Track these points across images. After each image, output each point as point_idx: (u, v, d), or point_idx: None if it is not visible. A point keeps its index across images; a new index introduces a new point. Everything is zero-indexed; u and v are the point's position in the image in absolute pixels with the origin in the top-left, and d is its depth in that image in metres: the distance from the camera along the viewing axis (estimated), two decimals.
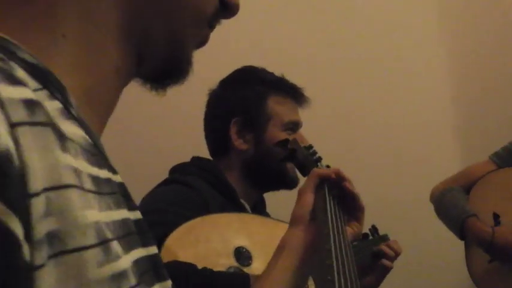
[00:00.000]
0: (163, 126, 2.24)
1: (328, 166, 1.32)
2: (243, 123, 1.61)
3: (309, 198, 1.08)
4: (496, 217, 2.05)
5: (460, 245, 2.15)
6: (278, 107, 1.63)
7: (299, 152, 1.36)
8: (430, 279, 2.59)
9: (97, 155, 0.46)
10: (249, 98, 1.62)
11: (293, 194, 1.17)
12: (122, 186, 0.50)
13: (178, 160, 1.69)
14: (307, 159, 1.32)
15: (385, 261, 1.50)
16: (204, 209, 1.44)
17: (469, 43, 2.90)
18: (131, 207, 0.51)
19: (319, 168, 1.22)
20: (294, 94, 1.67)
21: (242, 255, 1.37)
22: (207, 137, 1.68)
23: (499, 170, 2.13)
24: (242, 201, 1.61)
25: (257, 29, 2.40)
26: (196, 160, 1.65)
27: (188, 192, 1.48)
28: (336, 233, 0.99)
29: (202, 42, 0.62)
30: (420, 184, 2.36)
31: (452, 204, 2.10)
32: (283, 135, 1.58)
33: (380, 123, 2.61)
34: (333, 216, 1.04)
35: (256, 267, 1.34)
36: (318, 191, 1.11)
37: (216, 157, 1.66)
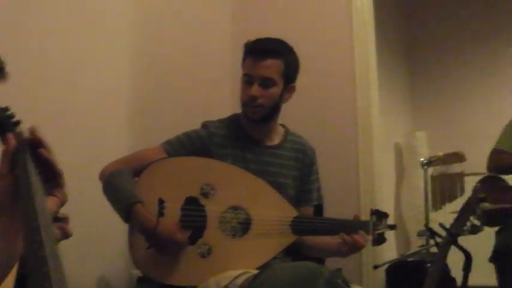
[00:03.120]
0: None
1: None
2: None
3: (8, 181, 1.05)
4: (161, 203, 2.13)
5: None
6: None
7: None
8: (96, 258, 2.59)
9: None
10: None
11: None
12: None
13: None
14: (5, 122, 1.22)
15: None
16: None
17: (149, 46, 3.04)
18: None
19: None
20: None
21: None
22: None
23: (169, 159, 2.23)
24: None
25: None
26: None
27: None
28: (41, 212, 0.99)
29: None
30: (92, 162, 2.34)
31: (121, 187, 2.12)
32: None
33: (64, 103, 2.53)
34: (36, 193, 1.02)
35: None
36: (16, 164, 1.08)
37: None
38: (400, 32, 5.77)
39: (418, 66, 5.75)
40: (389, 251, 4.43)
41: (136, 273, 2.38)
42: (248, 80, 2.24)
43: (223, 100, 3.21)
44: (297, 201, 2.34)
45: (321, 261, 2.87)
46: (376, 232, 2.17)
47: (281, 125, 2.43)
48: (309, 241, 2.32)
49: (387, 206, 5.18)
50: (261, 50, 2.24)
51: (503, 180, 3.29)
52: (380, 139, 3.35)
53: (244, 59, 2.29)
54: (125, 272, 2.73)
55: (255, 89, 2.21)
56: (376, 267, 3.05)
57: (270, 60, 2.23)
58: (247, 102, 2.25)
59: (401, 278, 3.68)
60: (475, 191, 3.28)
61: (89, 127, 2.63)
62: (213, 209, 2.14)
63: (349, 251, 2.15)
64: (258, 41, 2.28)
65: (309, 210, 2.40)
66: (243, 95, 2.26)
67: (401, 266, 3.79)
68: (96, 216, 2.46)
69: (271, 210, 2.15)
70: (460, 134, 5.32)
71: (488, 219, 3.13)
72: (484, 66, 5.42)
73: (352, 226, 2.14)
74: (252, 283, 1.85)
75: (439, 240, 2.75)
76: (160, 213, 2.12)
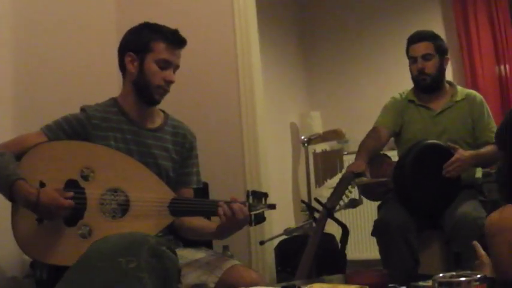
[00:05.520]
0: None
1: None
2: None
3: None
4: (41, 186, 2.14)
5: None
6: None
7: None
8: None
9: None
10: None
11: None
12: None
13: None
14: None
15: None
16: None
17: (33, 25, 3.03)
18: None
19: None
20: None
21: None
22: None
23: (49, 142, 2.26)
24: None
25: None
26: None
27: None
28: None
29: None
30: None
31: (3, 167, 2.12)
32: None
33: None
34: None
35: None
36: None
37: None
38: (294, 19, 5.89)
39: (312, 50, 5.85)
40: (286, 226, 4.56)
41: (28, 258, 2.39)
42: (165, 66, 2.34)
43: (109, 81, 3.21)
44: (176, 183, 2.43)
45: (207, 241, 2.97)
46: (253, 213, 2.21)
47: (161, 110, 2.51)
48: (188, 223, 2.40)
49: (287, 183, 5.38)
50: (181, 40, 2.38)
51: (385, 155, 3.41)
52: (264, 122, 3.44)
53: (153, 43, 2.34)
54: (17, 257, 2.74)
55: (173, 75, 2.37)
56: (262, 243, 3.17)
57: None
58: (163, 86, 2.36)
59: (289, 252, 3.82)
60: None
61: None
62: (93, 192, 2.18)
63: (228, 229, 2.23)
64: (175, 31, 2.38)
65: (189, 192, 2.49)
66: (159, 79, 2.34)
67: (289, 241, 3.94)
68: None
69: (150, 191, 2.22)
70: (351, 114, 5.50)
71: (367, 193, 3.29)
72: (372, 48, 5.57)
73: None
74: (86, 251, 1.92)
75: (316, 215, 2.91)
76: None
